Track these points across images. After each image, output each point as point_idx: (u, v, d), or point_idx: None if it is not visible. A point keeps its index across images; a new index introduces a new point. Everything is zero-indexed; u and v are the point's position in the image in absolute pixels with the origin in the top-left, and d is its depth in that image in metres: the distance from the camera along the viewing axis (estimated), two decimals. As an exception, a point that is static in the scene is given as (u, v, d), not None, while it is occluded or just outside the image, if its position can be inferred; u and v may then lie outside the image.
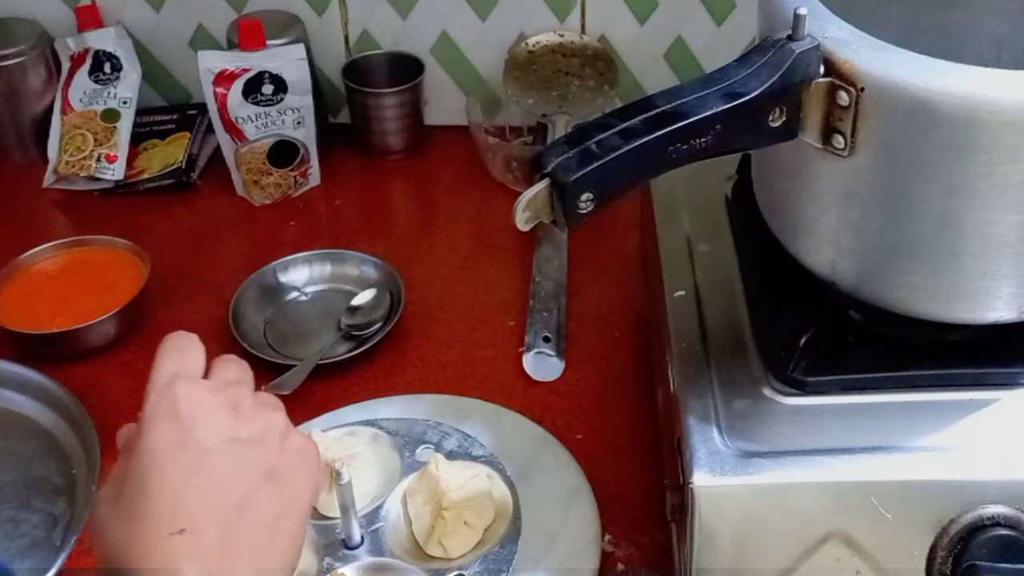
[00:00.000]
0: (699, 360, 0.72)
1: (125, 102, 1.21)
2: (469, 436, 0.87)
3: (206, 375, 0.59)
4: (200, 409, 0.55)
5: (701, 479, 0.64)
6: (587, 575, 0.77)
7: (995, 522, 0.63)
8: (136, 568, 0.50)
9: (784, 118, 0.62)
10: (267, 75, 1.13)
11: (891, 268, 0.66)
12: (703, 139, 0.60)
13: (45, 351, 0.98)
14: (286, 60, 1.14)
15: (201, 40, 1.24)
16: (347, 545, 0.79)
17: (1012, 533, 0.63)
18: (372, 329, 0.99)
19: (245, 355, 0.94)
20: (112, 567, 0.52)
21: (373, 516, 0.81)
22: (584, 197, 0.58)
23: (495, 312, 1.02)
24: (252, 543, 0.53)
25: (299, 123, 1.16)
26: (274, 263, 1.05)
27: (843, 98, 0.60)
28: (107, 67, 1.21)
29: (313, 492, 0.58)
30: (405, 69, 1.21)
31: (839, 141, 0.62)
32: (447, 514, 0.79)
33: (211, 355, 0.61)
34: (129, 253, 1.05)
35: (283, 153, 1.16)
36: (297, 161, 1.17)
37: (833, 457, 0.64)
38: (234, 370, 0.60)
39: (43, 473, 0.89)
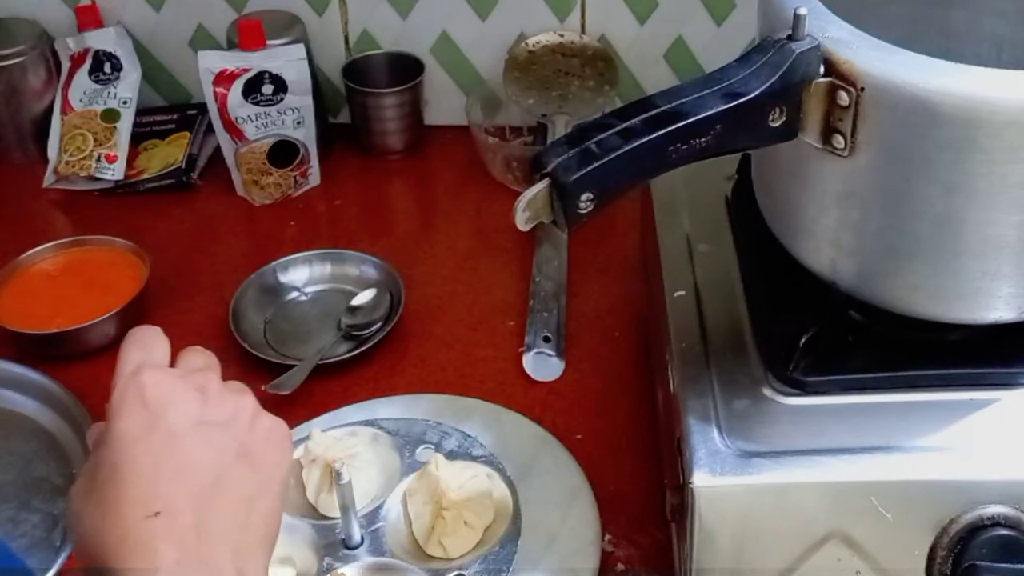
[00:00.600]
0: (699, 360, 0.72)
1: (125, 102, 1.21)
2: (469, 436, 0.87)
3: (172, 366, 0.59)
4: (167, 394, 0.55)
5: (701, 479, 0.63)
6: (587, 575, 0.77)
7: (995, 522, 0.63)
8: (113, 555, 0.50)
9: (784, 118, 0.62)
10: (267, 75, 1.13)
11: (891, 268, 0.66)
12: (703, 139, 0.60)
13: (45, 351, 0.98)
14: (286, 60, 1.14)
15: (201, 40, 1.24)
16: (347, 545, 0.79)
17: (1012, 533, 0.63)
18: (372, 329, 0.99)
19: (245, 355, 0.95)
20: (90, 560, 0.51)
21: (373, 516, 0.81)
22: (584, 197, 0.58)
23: (495, 312, 1.02)
24: (228, 523, 0.53)
25: (299, 123, 1.16)
26: (274, 263, 1.05)
27: (843, 98, 0.60)
28: (107, 67, 1.21)
29: (286, 471, 0.58)
30: (405, 69, 1.21)
31: (839, 141, 0.62)
32: (447, 514, 0.79)
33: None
34: (129, 253, 1.05)
35: (283, 153, 1.16)
36: (297, 161, 1.17)
37: (833, 457, 0.64)
38: (200, 358, 0.60)
39: (43, 473, 0.89)
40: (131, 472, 0.52)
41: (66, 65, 1.22)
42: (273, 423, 0.58)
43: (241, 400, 0.57)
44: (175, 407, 0.54)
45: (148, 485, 0.51)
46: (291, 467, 0.58)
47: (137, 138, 1.22)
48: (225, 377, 0.60)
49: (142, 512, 0.50)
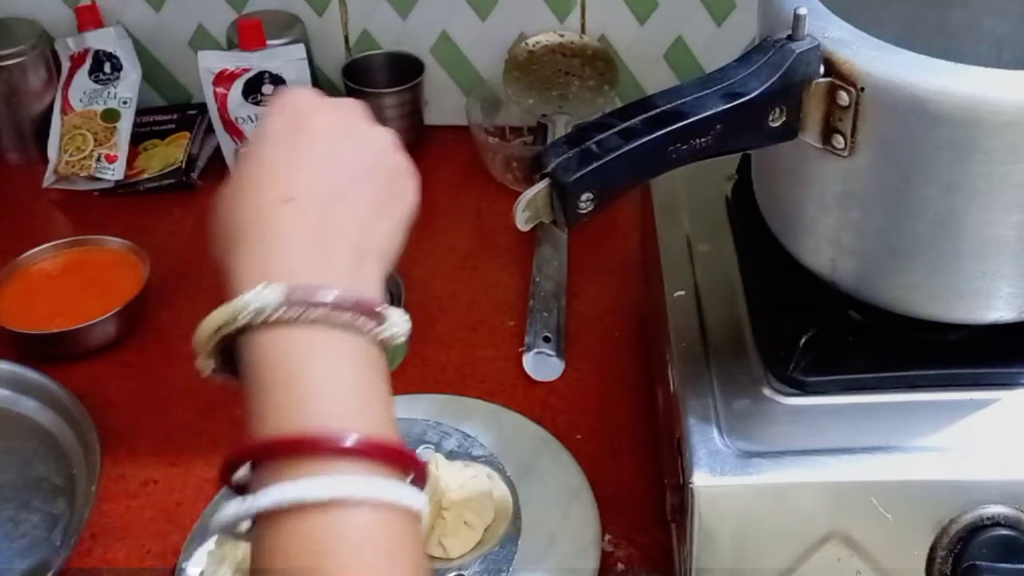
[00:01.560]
0: (699, 360, 0.72)
1: (125, 102, 1.21)
2: (469, 436, 0.87)
3: None
4: (317, 105, 0.58)
5: (701, 479, 0.63)
6: (587, 575, 0.77)
7: (995, 522, 0.63)
8: (243, 234, 0.52)
9: (784, 118, 0.62)
10: (267, 75, 1.13)
11: (891, 268, 0.66)
12: (703, 139, 0.60)
13: (45, 351, 0.98)
14: (286, 60, 1.14)
15: (201, 40, 1.24)
16: (347, 545, 0.79)
17: (1012, 533, 0.63)
18: (372, 329, 0.99)
19: (245, 355, 0.95)
20: (220, 250, 0.53)
21: (373, 516, 0.81)
22: (584, 197, 0.58)
23: (495, 312, 1.02)
24: (352, 226, 0.54)
25: (299, 123, 1.16)
26: (274, 263, 1.05)
27: (843, 98, 0.60)
28: (107, 67, 1.21)
29: (410, 206, 0.59)
30: (405, 69, 1.21)
31: (839, 141, 0.62)
32: (447, 514, 0.79)
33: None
34: (129, 253, 1.05)
35: (283, 153, 1.16)
36: (297, 161, 1.17)
37: (833, 457, 0.64)
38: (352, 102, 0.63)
39: (43, 473, 0.89)
40: (272, 162, 0.55)
41: (66, 65, 1.22)
42: (407, 163, 0.60)
43: (384, 132, 0.60)
44: (323, 115, 0.57)
45: (286, 175, 0.54)
46: (413, 209, 0.60)
47: (137, 138, 1.22)
48: None
49: (277, 197, 0.53)
